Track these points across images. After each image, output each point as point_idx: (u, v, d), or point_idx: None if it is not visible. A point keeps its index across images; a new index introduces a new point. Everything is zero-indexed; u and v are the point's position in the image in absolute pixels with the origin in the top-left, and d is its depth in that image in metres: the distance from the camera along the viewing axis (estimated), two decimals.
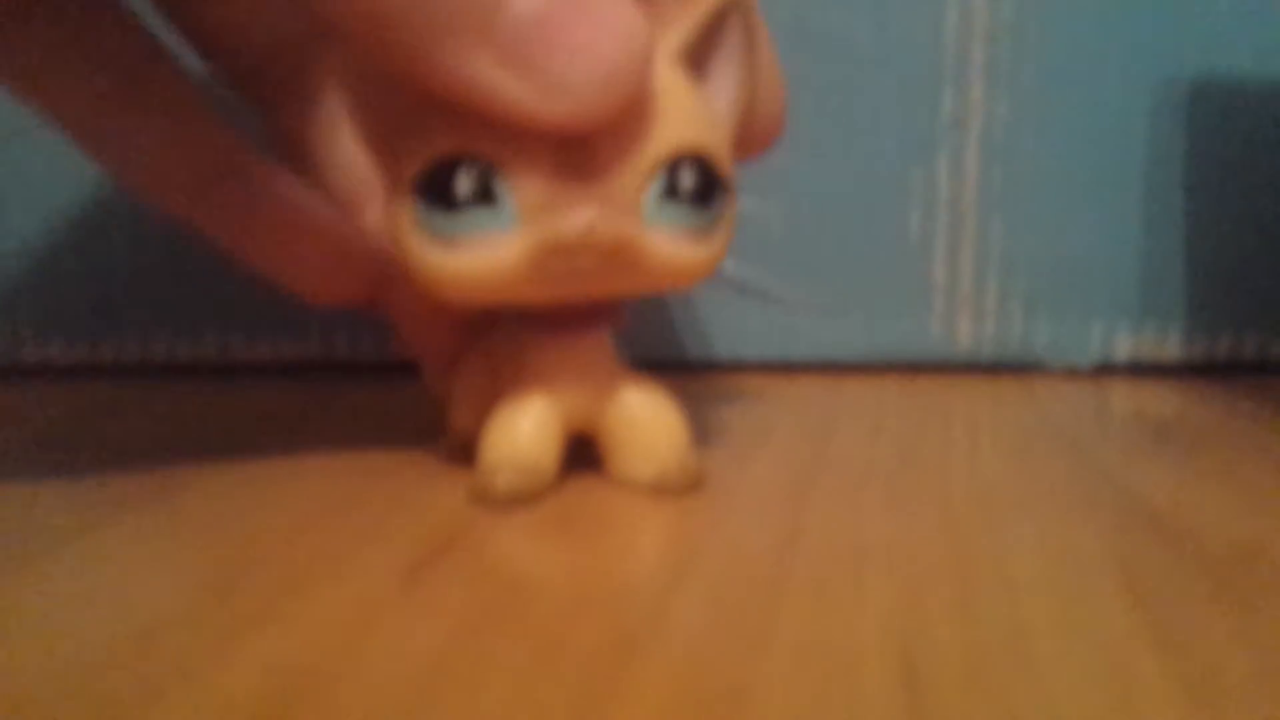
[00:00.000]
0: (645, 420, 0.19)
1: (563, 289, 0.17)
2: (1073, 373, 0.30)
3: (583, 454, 0.19)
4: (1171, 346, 0.30)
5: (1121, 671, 0.12)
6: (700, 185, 0.17)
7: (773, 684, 0.11)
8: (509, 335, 0.20)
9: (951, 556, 0.15)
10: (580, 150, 0.16)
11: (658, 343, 0.30)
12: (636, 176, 0.16)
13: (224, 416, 0.26)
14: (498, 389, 0.19)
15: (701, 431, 0.23)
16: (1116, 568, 0.15)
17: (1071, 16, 0.29)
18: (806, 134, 0.29)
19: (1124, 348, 0.30)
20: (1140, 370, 0.30)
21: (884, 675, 0.11)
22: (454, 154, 0.16)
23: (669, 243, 0.17)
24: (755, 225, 0.29)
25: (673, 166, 0.16)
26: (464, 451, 0.20)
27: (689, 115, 0.17)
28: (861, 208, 0.29)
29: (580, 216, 0.16)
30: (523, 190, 0.16)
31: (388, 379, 0.29)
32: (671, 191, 0.16)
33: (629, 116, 0.16)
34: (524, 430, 0.18)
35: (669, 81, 0.17)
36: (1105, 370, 0.30)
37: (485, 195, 0.16)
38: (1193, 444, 0.22)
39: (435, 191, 0.16)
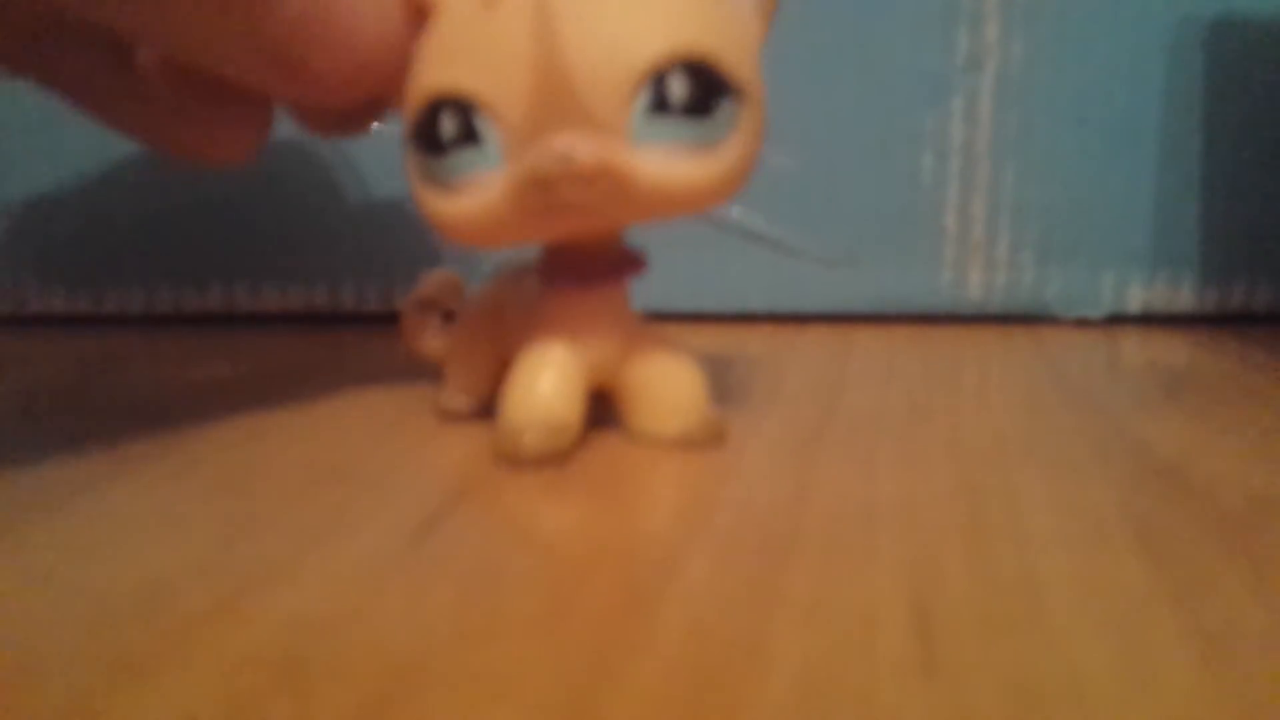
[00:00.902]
0: (668, 375, 0.18)
1: (556, 225, 0.16)
2: (1084, 323, 0.30)
3: (590, 409, 0.19)
4: (1184, 297, 0.30)
5: (1137, 625, 0.11)
6: (697, 94, 0.15)
7: (788, 638, 0.11)
8: (520, 290, 0.19)
9: (964, 511, 0.15)
10: (553, 72, 0.15)
11: (666, 294, 0.29)
12: (617, 93, 0.15)
13: (230, 367, 0.26)
14: (506, 346, 0.18)
15: (712, 384, 0.22)
16: (1131, 521, 0.15)
17: None
18: (816, 76, 0.28)
19: (1136, 298, 0.30)
20: (1152, 320, 0.30)
21: (897, 629, 0.11)
22: (436, 96, 0.16)
23: (663, 162, 0.15)
24: (764, 172, 0.29)
25: (660, 76, 0.15)
26: (465, 409, 0.20)
27: (682, 12, 0.15)
28: (873, 153, 0.29)
29: (556, 145, 0.15)
30: (505, 126, 0.15)
31: (392, 330, 0.29)
32: (660, 105, 0.15)
33: (605, 25, 0.15)
34: (548, 387, 0.17)
35: None
36: (1117, 320, 0.30)
37: (469, 135, 0.15)
38: (1206, 396, 0.22)
39: (427, 138, 0.16)
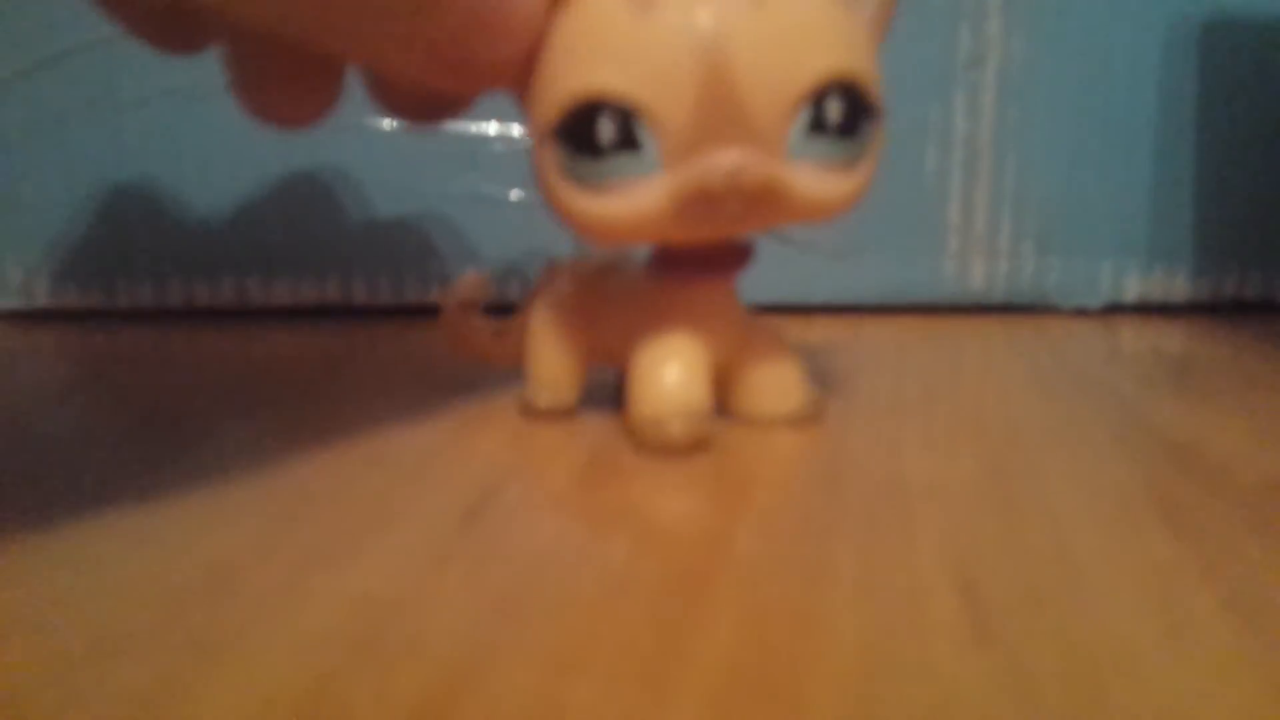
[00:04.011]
0: (779, 360, 0.19)
1: (709, 229, 0.17)
2: (1082, 312, 0.30)
3: (609, 396, 0.19)
4: (1179, 286, 0.31)
5: (1174, 596, 0.12)
6: (848, 115, 0.16)
7: (842, 612, 0.12)
8: (611, 287, 0.20)
9: (994, 489, 0.16)
10: (721, 88, 0.15)
11: None
12: (781, 112, 0.15)
13: (247, 362, 0.26)
14: (600, 342, 0.19)
15: None
16: (1152, 499, 0.15)
17: None
18: None
19: (1133, 288, 0.30)
20: (1147, 309, 0.31)
21: (947, 602, 0.12)
22: (594, 99, 0.15)
23: (815, 178, 0.16)
24: None
25: (819, 98, 0.15)
26: (554, 407, 0.20)
27: (836, 38, 0.16)
28: None
29: (724, 161, 0.15)
30: (665, 134, 0.15)
31: (404, 323, 0.29)
32: (818, 125, 0.16)
33: (772, 46, 0.15)
34: (683, 375, 0.18)
35: (815, 2, 0.16)
36: (1113, 310, 0.31)
37: (628, 141, 0.16)
38: (1207, 381, 0.23)
39: (578, 138, 0.16)
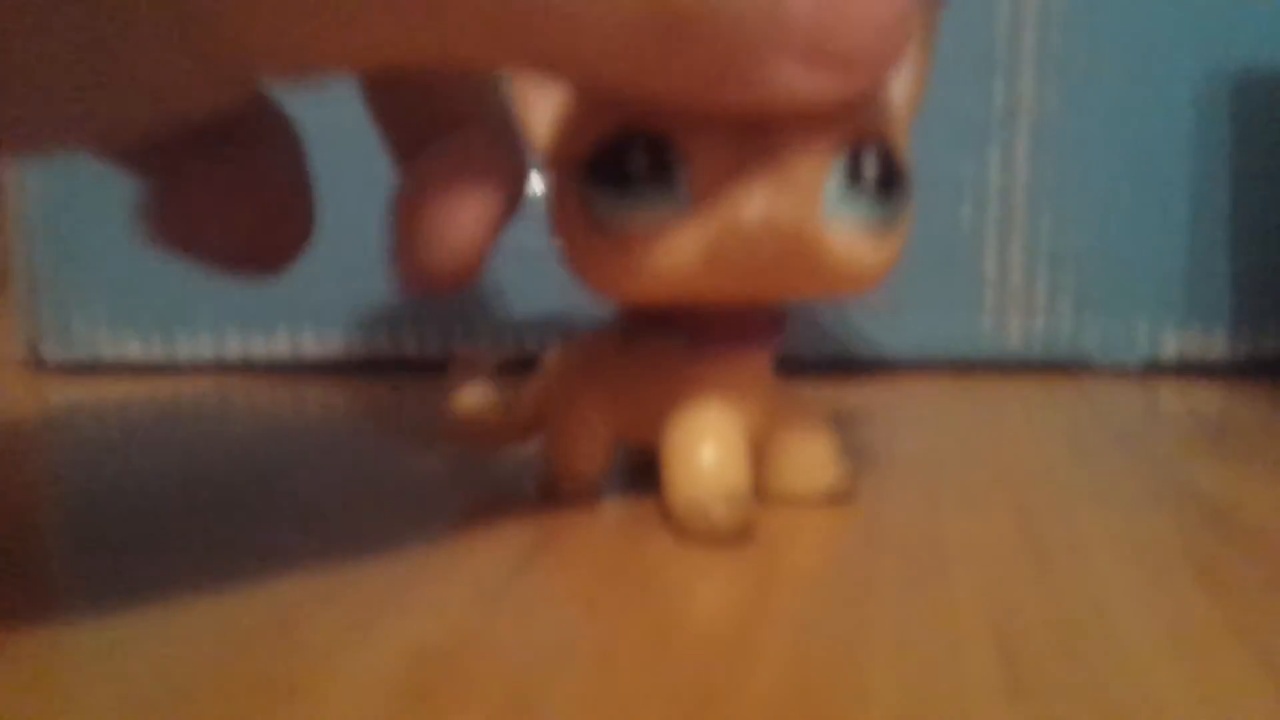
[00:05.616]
0: (812, 434, 0.18)
1: (737, 285, 0.16)
2: (1121, 371, 0.31)
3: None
4: (1217, 344, 0.31)
5: (1209, 656, 0.12)
6: (883, 175, 0.15)
7: (881, 667, 0.12)
8: (630, 357, 0.18)
9: (1030, 549, 0.16)
10: (760, 130, 0.15)
11: None
12: (819, 160, 0.15)
13: (302, 412, 0.27)
14: (619, 418, 0.18)
15: None
16: (1189, 560, 0.15)
17: (1121, 7, 0.29)
18: None
19: (1171, 345, 0.31)
20: (1186, 368, 0.31)
21: (982, 654, 0.12)
22: (627, 129, 0.15)
23: (849, 239, 0.15)
24: None
25: (856, 152, 0.15)
26: (581, 488, 0.19)
27: (873, 101, 0.16)
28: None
29: (759, 201, 0.15)
30: (698, 169, 0.15)
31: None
32: (854, 179, 0.15)
33: None
34: (724, 455, 0.17)
35: None
36: (1152, 368, 0.31)
37: (659, 173, 0.15)
38: (1246, 443, 0.23)
39: (605, 170, 0.15)
